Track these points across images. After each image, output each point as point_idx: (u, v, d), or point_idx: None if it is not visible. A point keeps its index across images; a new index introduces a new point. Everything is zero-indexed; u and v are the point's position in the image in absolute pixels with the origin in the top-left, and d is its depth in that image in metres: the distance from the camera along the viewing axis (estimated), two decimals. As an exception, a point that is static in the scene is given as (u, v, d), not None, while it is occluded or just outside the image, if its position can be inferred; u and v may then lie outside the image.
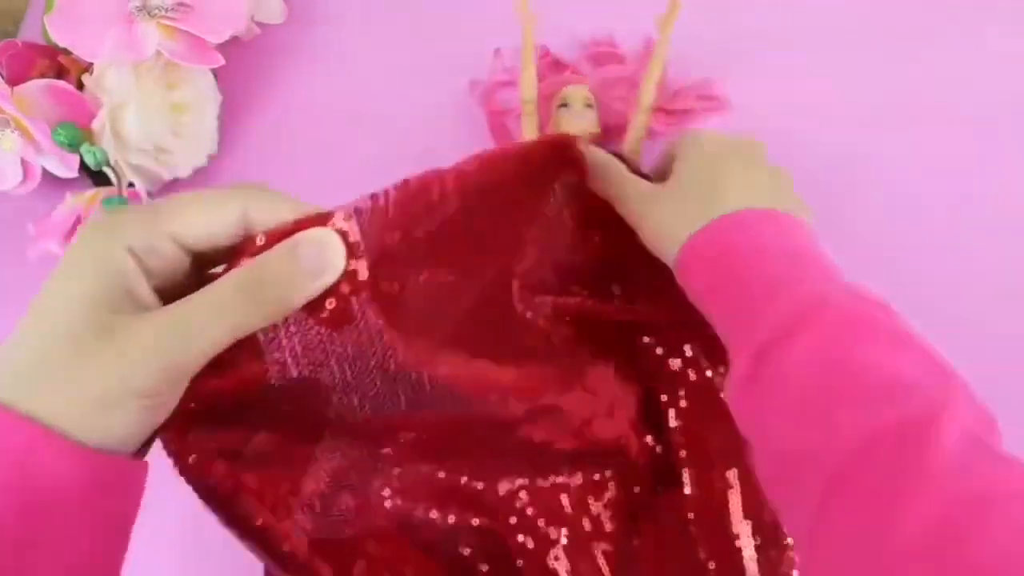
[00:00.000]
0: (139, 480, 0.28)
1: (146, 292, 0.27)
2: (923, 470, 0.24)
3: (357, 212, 0.29)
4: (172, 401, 0.27)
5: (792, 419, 0.29)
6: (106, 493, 0.27)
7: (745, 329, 0.32)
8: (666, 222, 0.37)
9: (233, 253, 0.28)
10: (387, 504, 0.39)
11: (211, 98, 0.57)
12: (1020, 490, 0.24)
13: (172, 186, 0.57)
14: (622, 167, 0.41)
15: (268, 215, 0.28)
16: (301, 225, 0.28)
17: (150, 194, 0.53)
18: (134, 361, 0.25)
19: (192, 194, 0.28)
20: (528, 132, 0.52)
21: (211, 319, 0.26)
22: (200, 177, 0.58)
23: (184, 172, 0.56)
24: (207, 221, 0.27)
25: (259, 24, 0.60)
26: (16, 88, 0.50)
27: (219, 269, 0.28)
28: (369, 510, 0.39)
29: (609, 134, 0.54)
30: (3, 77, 0.50)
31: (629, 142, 0.51)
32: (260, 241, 0.27)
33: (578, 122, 0.51)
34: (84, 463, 0.25)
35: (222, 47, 0.54)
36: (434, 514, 0.40)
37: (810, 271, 0.32)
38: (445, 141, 0.57)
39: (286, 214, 0.28)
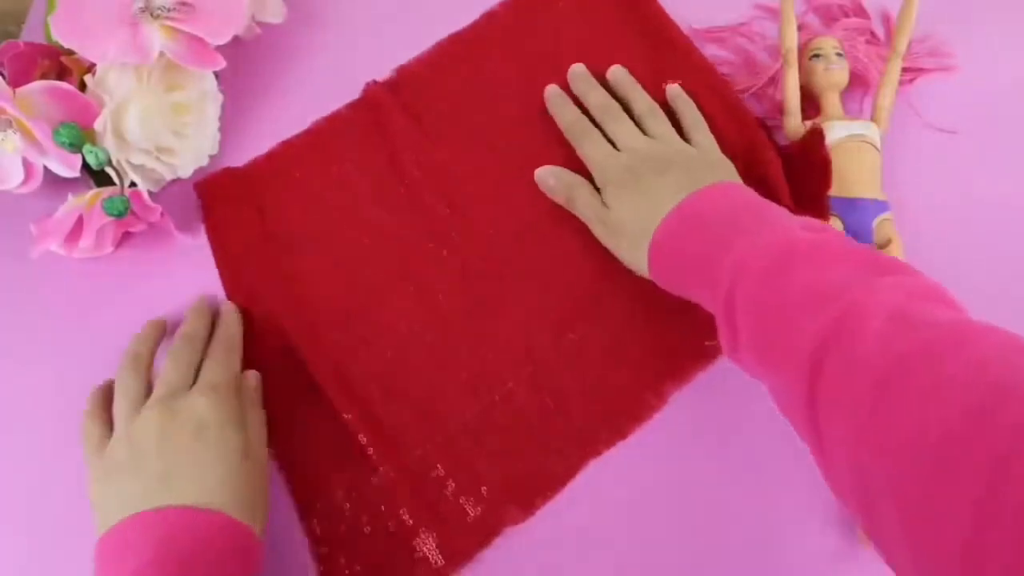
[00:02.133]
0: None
1: None
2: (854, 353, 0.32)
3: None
4: None
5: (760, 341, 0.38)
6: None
7: (711, 294, 0.42)
8: (627, 252, 0.48)
9: None
10: None
11: (212, 98, 0.57)
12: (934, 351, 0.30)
13: (174, 186, 0.57)
14: (588, 190, 0.51)
15: None
16: None
17: (152, 194, 0.54)
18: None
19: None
20: (791, 82, 0.54)
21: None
22: (201, 177, 0.58)
23: (186, 172, 0.57)
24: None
25: (260, 24, 0.61)
26: (18, 90, 0.50)
27: None
28: None
29: (853, 84, 0.55)
30: (5, 78, 0.50)
31: (885, 93, 0.53)
32: None
33: (834, 71, 0.53)
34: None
35: (222, 47, 0.54)
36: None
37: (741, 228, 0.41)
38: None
39: None
